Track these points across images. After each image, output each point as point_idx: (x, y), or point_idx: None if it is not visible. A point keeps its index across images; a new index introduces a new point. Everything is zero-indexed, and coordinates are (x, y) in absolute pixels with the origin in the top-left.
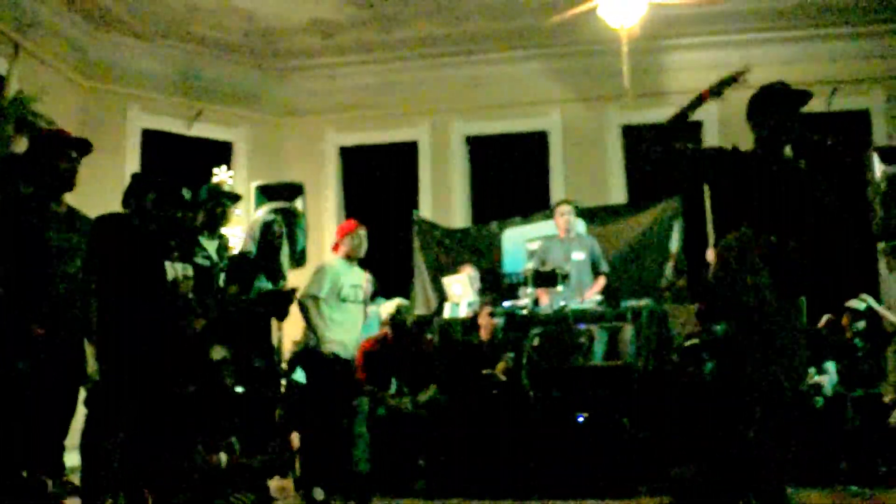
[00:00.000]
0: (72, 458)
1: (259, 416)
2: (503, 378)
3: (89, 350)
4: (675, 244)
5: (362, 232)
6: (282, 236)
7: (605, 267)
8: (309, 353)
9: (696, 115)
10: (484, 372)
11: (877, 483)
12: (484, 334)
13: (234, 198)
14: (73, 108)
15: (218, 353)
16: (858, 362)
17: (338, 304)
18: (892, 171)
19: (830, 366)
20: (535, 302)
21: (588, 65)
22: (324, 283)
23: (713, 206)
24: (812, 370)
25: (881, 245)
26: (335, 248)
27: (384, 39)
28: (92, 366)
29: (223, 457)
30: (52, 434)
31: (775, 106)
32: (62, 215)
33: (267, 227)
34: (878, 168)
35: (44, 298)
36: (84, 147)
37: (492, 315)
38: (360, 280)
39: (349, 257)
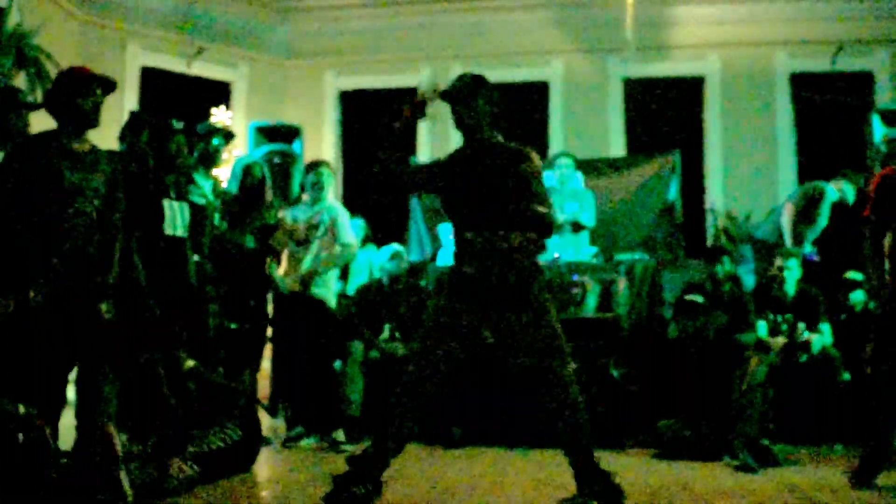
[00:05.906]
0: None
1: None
2: None
3: None
4: (671, 199)
5: (323, 170)
6: (263, 180)
7: (587, 221)
8: (291, 296)
9: (698, 71)
10: None
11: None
12: None
13: (229, 136)
14: (72, 43)
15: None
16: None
17: (302, 246)
18: (893, 133)
19: (824, 326)
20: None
21: (591, 15)
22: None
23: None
24: (801, 326)
25: None
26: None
27: None
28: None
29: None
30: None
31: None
32: (82, 154)
33: (248, 169)
34: (879, 130)
35: (59, 235)
36: (108, 85)
37: None
38: (322, 218)
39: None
